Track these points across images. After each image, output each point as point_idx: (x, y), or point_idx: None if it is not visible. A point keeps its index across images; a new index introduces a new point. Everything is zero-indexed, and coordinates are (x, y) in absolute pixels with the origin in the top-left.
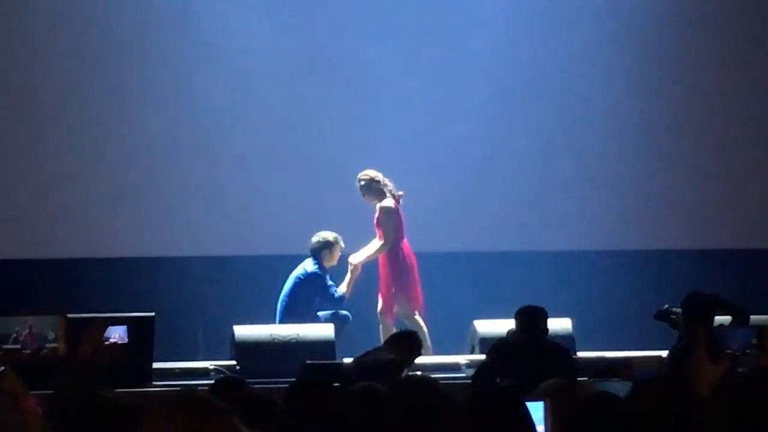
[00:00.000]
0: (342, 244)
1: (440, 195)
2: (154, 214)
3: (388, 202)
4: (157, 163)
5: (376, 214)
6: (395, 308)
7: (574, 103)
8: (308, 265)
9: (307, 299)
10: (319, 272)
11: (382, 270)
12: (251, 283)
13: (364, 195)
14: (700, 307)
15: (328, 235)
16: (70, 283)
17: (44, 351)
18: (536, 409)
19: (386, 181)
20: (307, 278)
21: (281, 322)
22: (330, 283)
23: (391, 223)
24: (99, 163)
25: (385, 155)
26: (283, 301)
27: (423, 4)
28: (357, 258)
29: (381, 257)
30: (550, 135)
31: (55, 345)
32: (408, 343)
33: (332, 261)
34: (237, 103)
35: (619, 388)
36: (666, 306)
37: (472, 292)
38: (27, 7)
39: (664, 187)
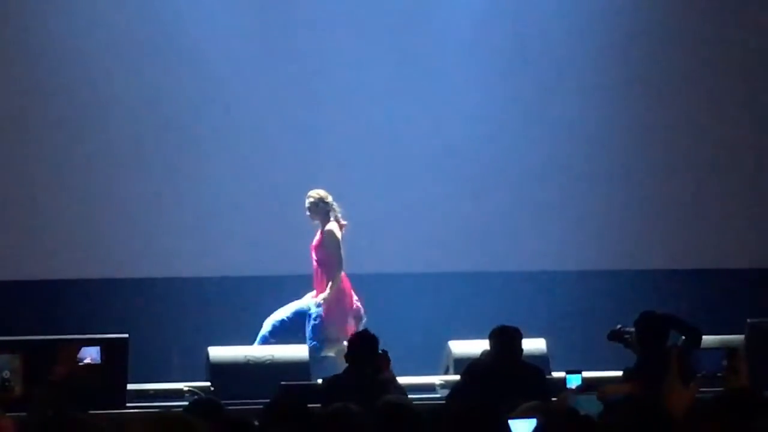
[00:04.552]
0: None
1: (414, 214)
2: (127, 235)
3: (333, 226)
4: (127, 185)
5: (317, 237)
6: (329, 331)
7: (548, 123)
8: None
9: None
10: (318, 320)
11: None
12: (226, 304)
13: (309, 212)
14: (653, 327)
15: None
16: (42, 305)
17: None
18: (528, 427)
19: (335, 205)
20: (310, 318)
21: (266, 342)
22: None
23: (338, 247)
24: (71, 186)
25: (357, 172)
26: (281, 323)
27: (399, 27)
28: (324, 296)
29: (318, 284)
30: (523, 154)
31: (11, 386)
32: (365, 343)
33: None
34: (205, 120)
35: (595, 403)
36: (619, 326)
37: (447, 313)
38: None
39: (640, 207)
